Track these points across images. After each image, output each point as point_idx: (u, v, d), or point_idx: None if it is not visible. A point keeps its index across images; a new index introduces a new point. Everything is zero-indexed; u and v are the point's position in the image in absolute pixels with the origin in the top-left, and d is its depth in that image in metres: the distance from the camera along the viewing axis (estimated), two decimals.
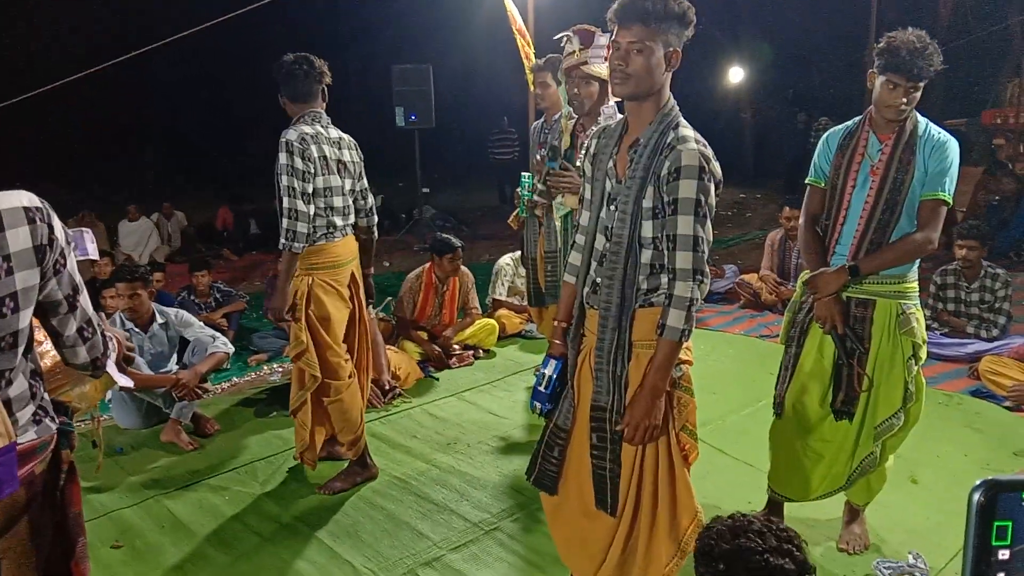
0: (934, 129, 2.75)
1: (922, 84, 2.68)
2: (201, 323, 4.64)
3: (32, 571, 1.61)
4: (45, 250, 1.52)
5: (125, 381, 1.86)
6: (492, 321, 5.88)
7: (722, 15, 15.86)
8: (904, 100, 2.68)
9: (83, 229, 1.88)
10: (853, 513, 3.13)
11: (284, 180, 3.22)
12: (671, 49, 2.07)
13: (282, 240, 3.26)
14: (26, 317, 1.53)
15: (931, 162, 2.71)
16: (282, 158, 3.22)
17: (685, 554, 2.24)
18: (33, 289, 1.52)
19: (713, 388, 4.69)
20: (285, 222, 3.24)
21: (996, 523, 0.73)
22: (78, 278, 1.64)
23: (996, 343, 5.13)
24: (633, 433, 2.13)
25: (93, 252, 1.88)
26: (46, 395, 1.65)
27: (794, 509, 3.24)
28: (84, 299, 1.66)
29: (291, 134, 3.27)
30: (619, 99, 2.64)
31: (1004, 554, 0.74)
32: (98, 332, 1.71)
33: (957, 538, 3.09)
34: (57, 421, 1.65)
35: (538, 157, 4.21)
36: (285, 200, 3.23)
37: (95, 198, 11.29)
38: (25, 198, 1.52)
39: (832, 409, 2.92)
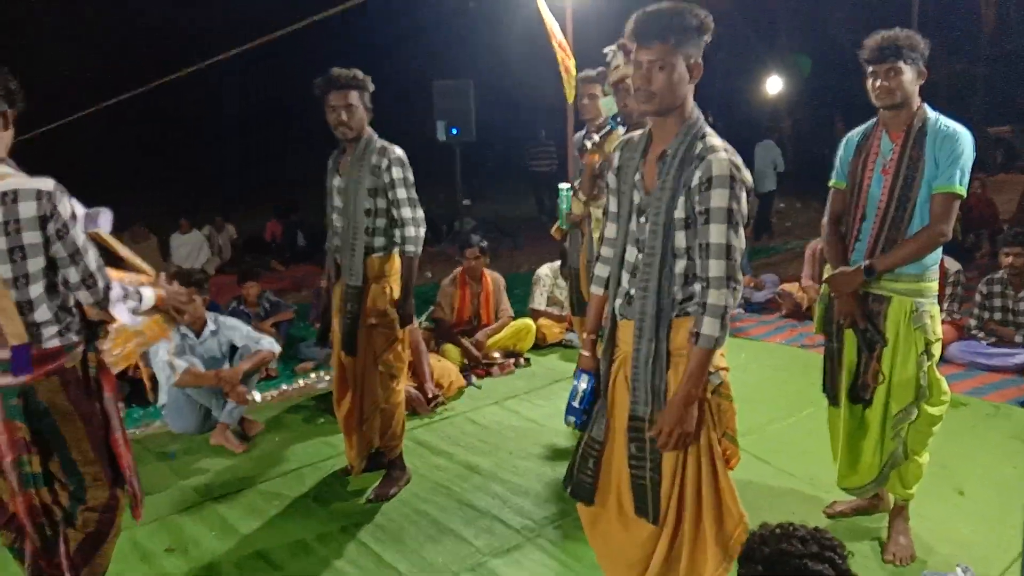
0: (944, 122, 2.80)
1: (901, 65, 2.76)
2: (249, 328, 4.79)
3: (85, 436, 2.35)
4: (47, 220, 2.19)
5: (127, 318, 2.44)
6: (527, 320, 5.94)
7: (760, 24, 15.76)
8: (878, 83, 2.81)
9: (102, 209, 2.42)
10: (897, 511, 3.12)
11: (404, 193, 3.51)
12: (692, 61, 2.10)
13: (411, 249, 3.53)
14: (34, 264, 2.21)
15: (941, 154, 2.75)
16: (400, 172, 3.49)
17: (732, 559, 2.23)
18: (37, 246, 2.20)
19: (755, 398, 4.66)
20: (412, 231, 3.53)
21: None
22: (81, 242, 2.26)
23: None
24: (665, 440, 2.14)
25: (104, 227, 2.44)
26: (73, 321, 2.33)
27: (840, 519, 3.26)
28: (88, 259, 2.29)
29: (399, 149, 3.51)
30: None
31: None
32: (99, 284, 2.31)
33: (1006, 551, 3.06)
34: (81, 336, 2.35)
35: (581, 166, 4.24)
36: (408, 210, 3.52)
37: (149, 211, 11.57)
38: (41, 183, 2.20)
39: (849, 394, 3.04)
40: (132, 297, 2.44)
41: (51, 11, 15.35)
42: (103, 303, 2.34)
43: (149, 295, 2.53)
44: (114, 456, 2.45)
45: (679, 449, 2.18)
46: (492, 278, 5.91)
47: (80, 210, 2.33)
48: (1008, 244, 5.27)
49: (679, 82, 2.09)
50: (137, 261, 2.73)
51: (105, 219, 2.41)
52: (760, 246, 10.66)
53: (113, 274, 2.52)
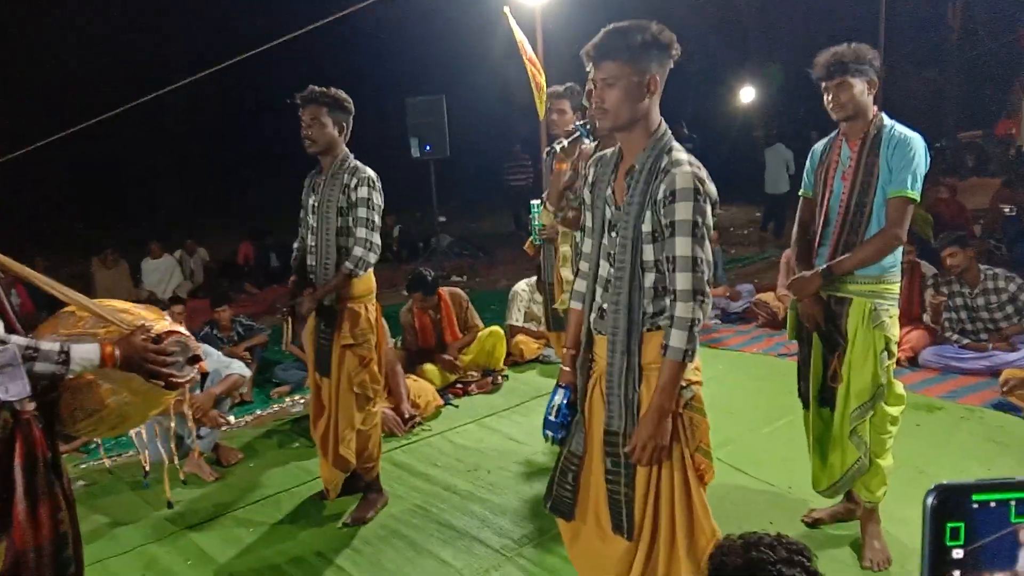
0: (898, 129, 2.90)
1: (849, 79, 2.88)
2: (220, 353, 4.74)
3: None
4: None
5: (16, 390, 1.98)
6: (494, 328, 5.85)
7: (732, 36, 15.95)
8: (832, 98, 2.94)
9: None
10: (867, 515, 3.14)
11: (364, 213, 3.46)
12: (647, 77, 2.12)
13: (350, 266, 3.44)
14: None
15: (894, 160, 2.85)
16: (366, 192, 3.45)
17: (705, 574, 2.25)
18: None
19: (731, 408, 4.68)
20: (359, 251, 3.46)
21: (949, 524, 0.78)
22: None
23: (1017, 354, 5.08)
24: (640, 454, 2.15)
25: None
26: None
27: (818, 527, 3.27)
28: None
29: (370, 171, 3.49)
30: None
31: (958, 553, 0.80)
32: None
33: None
34: None
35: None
36: (363, 231, 3.46)
37: (119, 236, 11.46)
38: None
39: (818, 397, 3.12)
40: (46, 358, 1.96)
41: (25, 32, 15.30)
42: None
43: (85, 354, 2.02)
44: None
45: (654, 463, 2.18)
46: (450, 296, 5.77)
47: None
48: (943, 247, 5.39)
49: (630, 98, 2.12)
50: (91, 306, 2.22)
51: None
52: (733, 256, 10.74)
53: (48, 329, 2.18)
